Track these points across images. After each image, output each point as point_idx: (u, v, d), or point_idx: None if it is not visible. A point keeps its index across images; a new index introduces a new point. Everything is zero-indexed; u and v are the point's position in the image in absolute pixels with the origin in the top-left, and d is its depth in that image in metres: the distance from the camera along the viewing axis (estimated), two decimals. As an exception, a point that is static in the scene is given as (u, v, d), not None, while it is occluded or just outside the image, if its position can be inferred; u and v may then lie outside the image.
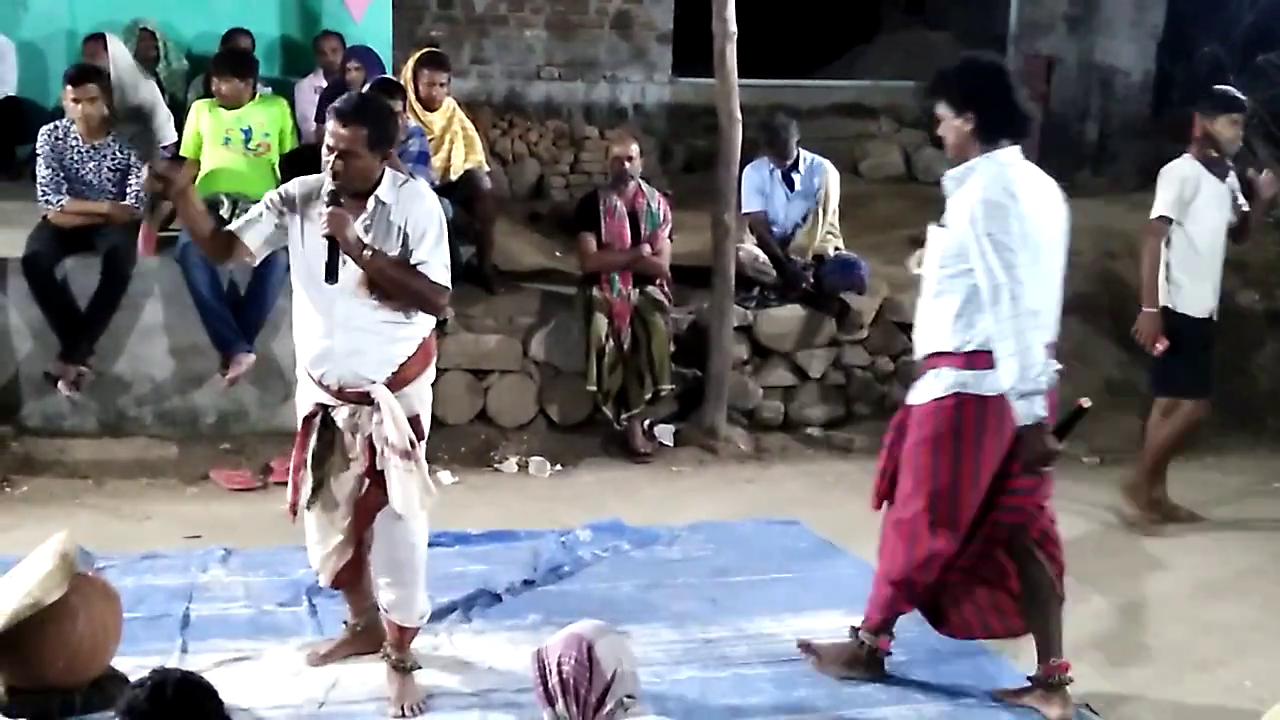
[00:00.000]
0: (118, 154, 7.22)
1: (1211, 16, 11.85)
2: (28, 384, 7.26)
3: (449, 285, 4.60)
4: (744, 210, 8.19)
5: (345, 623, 5.06)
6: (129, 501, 6.80)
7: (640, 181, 7.91)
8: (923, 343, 4.73)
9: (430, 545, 5.97)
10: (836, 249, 8.39)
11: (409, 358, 4.60)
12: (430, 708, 4.73)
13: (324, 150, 4.49)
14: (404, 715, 4.68)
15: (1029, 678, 4.90)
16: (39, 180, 7.21)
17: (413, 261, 4.49)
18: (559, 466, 7.52)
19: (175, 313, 7.32)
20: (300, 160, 7.70)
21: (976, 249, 4.44)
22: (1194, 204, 6.69)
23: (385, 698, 4.73)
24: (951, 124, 4.64)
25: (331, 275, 4.43)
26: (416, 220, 4.52)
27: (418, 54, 8.34)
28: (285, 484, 6.59)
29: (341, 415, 4.61)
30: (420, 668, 4.86)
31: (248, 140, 7.59)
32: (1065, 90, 11.89)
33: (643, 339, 7.70)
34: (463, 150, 8.20)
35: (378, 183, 4.51)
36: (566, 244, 8.75)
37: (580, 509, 6.77)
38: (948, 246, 4.60)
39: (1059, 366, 4.66)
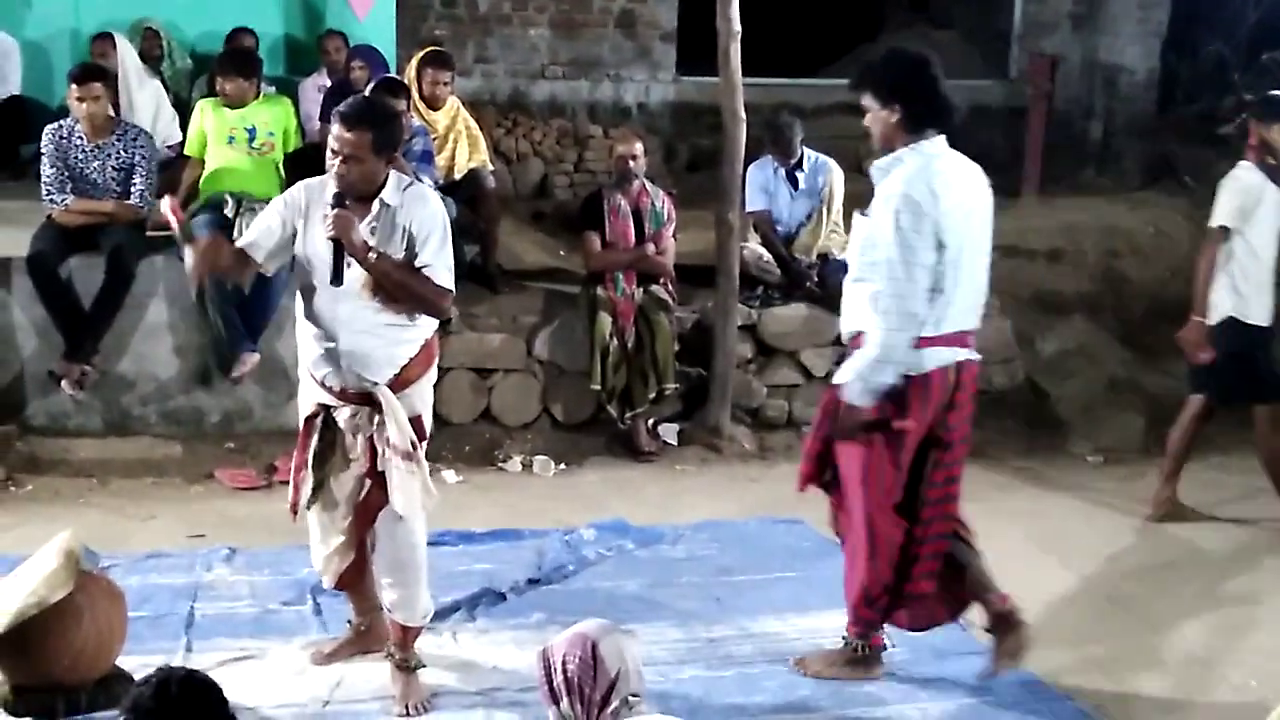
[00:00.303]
0: (121, 153, 7.23)
1: (1216, 15, 11.86)
2: (32, 383, 7.27)
3: (453, 288, 4.62)
4: (748, 209, 8.19)
5: (349, 622, 5.07)
6: (134, 500, 6.80)
7: (644, 180, 7.90)
8: (848, 324, 4.88)
9: (435, 544, 6.00)
10: (841, 248, 8.37)
11: (411, 359, 4.61)
12: (435, 706, 4.74)
13: (328, 154, 4.50)
14: (408, 714, 4.68)
15: (987, 628, 5.04)
16: (43, 179, 7.22)
17: (417, 264, 4.50)
18: (563, 466, 7.53)
19: (179, 312, 7.33)
20: (304, 159, 7.71)
21: (886, 239, 4.58)
22: (1256, 213, 6.61)
23: (390, 696, 4.74)
24: (878, 116, 4.72)
25: (337, 278, 4.44)
26: (421, 223, 4.53)
27: (421, 53, 8.34)
28: (289, 483, 6.61)
29: (343, 416, 4.63)
30: (424, 666, 4.86)
31: (252, 139, 7.59)
32: (1069, 89, 11.87)
33: (647, 338, 7.70)
34: (467, 149, 8.20)
35: (382, 185, 4.53)
36: (571, 243, 8.75)
37: (584, 508, 6.77)
38: (869, 234, 4.75)
39: (977, 356, 4.84)
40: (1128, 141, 11.80)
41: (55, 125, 7.30)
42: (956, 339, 4.73)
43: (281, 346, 7.40)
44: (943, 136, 4.75)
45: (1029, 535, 6.69)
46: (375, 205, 4.51)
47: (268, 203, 7.13)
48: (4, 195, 7.81)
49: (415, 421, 4.62)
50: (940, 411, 4.75)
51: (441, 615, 5.37)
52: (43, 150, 7.23)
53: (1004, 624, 4.94)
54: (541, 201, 10.21)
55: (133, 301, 7.27)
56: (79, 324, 7.16)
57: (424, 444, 4.67)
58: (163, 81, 8.96)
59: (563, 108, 11.31)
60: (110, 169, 7.23)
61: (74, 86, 7.13)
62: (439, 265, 4.55)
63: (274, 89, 8.50)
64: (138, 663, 4.71)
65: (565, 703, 3.44)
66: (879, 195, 4.70)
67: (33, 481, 6.91)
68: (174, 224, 4.70)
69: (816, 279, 8.28)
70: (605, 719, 3.40)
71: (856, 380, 4.67)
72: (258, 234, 4.64)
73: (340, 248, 4.42)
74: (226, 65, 7.74)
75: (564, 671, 3.44)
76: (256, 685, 4.76)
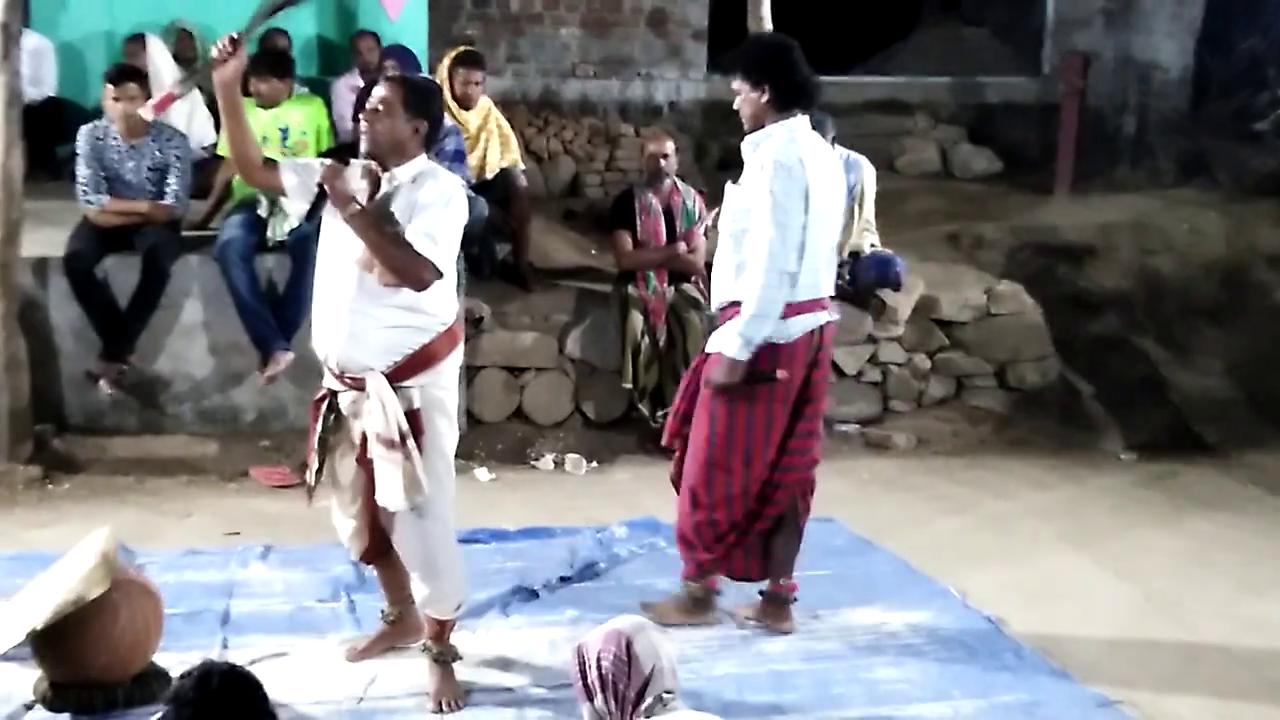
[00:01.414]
0: (156, 154, 7.28)
1: (1250, 11, 11.78)
2: (69, 382, 7.33)
3: (435, 261, 4.44)
4: (780, 207, 8.18)
5: (381, 612, 5.05)
6: (169, 499, 6.85)
7: (675, 179, 7.91)
8: (719, 294, 5.16)
9: (467, 542, 6.03)
10: (872, 245, 8.36)
11: (415, 350, 4.54)
12: (469, 703, 4.74)
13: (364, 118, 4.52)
14: (442, 711, 4.67)
15: (761, 592, 5.42)
16: (79, 180, 7.27)
17: (406, 231, 4.43)
18: (595, 464, 7.54)
19: (214, 311, 7.37)
20: (336, 159, 7.74)
21: (761, 203, 4.90)
22: None
23: (425, 693, 4.74)
24: (749, 96, 5.05)
25: (311, 215, 4.59)
26: (425, 194, 4.47)
27: (453, 53, 8.36)
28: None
29: (345, 400, 4.63)
30: (461, 659, 4.82)
31: (285, 139, 7.63)
32: (1102, 85, 11.82)
33: (678, 336, 7.71)
34: (498, 149, 8.23)
35: (408, 163, 4.52)
36: (602, 242, 8.76)
37: (616, 506, 6.78)
38: (740, 204, 5.06)
39: (836, 317, 5.25)
40: (1161, 138, 11.74)
41: (91, 126, 7.35)
42: (817, 304, 5.10)
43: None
44: (805, 117, 5.08)
45: (1062, 534, 6.67)
46: (399, 173, 4.49)
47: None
48: (40, 196, 7.85)
49: (412, 415, 4.51)
50: (805, 370, 5.11)
51: (474, 613, 5.38)
52: (78, 151, 7.28)
53: (776, 604, 5.39)
54: (573, 200, 10.23)
55: (168, 301, 7.31)
56: (115, 323, 7.21)
57: (445, 439, 4.64)
58: (197, 83, 9.00)
59: (594, 107, 11.33)
60: (145, 169, 7.28)
61: (109, 87, 7.19)
62: (425, 234, 4.42)
63: (306, 89, 8.54)
64: (174, 659, 4.75)
65: (599, 699, 3.45)
66: (751, 165, 5.03)
67: (70, 480, 6.97)
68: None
69: (848, 277, 8.27)
70: (639, 716, 3.41)
71: (737, 337, 4.94)
72: (294, 161, 4.79)
73: (322, 195, 4.48)
74: (261, 66, 7.77)
75: (598, 668, 3.45)
76: (291, 682, 4.77)
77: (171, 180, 7.28)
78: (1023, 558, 6.35)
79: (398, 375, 4.52)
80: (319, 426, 4.69)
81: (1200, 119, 11.87)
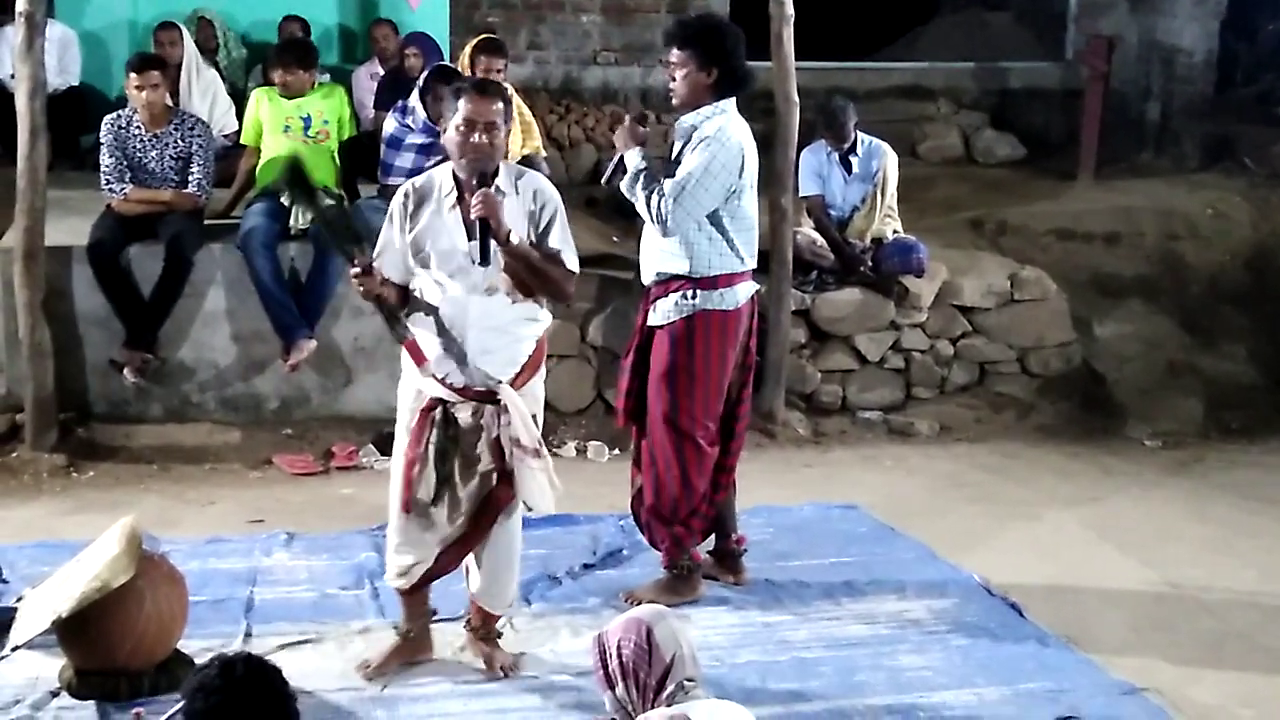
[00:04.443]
0: (179, 142, 7.30)
1: (1275, -5, 11.72)
2: (93, 371, 7.36)
3: (578, 270, 4.61)
4: (801, 194, 8.18)
5: (395, 627, 4.93)
6: (193, 486, 6.87)
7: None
8: (648, 269, 5.32)
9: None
10: (895, 232, 8.34)
11: (530, 356, 4.61)
12: (492, 692, 4.75)
13: (460, 129, 4.44)
14: (503, 676, 4.79)
15: (711, 551, 5.68)
16: (102, 169, 7.29)
17: (549, 246, 4.50)
18: (617, 451, 7.53)
19: (237, 299, 7.39)
20: (358, 148, 7.77)
21: (698, 161, 5.07)
22: None
23: (444, 678, 4.77)
24: (695, 76, 5.17)
25: (484, 258, 4.38)
26: (546, 204, 4.54)
27: (474, 40, 8.33)
28: (347, 468, 6.67)
29: (464, 413, 4.57)
30: (502, 634, 4.96)
31: (307, 128, 7.64)
32: (1126, 70, 11.75)
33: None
34: (520, 136, 8.21)
35: (495, 171, 4.50)
36: (624, 229, 8.75)
37: (639, 493, 6.77)
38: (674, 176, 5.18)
39: (759, 287, 5.54)
40: (1186, 123, 11.67)
41: (114, 115, 7.37)
42: (750, 274, 5.35)
43: (338, 333, 7.46)
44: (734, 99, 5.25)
45: (1086, 520, 6.66)
46: (499, 183, 4.48)
47: (324, 191, 7.22)
48: (64, 185, 7.88)
49: (534, 418, 4.63)
50: (746, 337, 5.37)
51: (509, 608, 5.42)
52: (102, 140, 7.31)
53: (729, 559, 5.68)
54: (594, 188, 10.19)
55: (191, 289, 7.33)
56: (139, 312, 7.23)
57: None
58: (218, 71, 9.04)
59: (615, 94, 11.31)
60: (168, 158, 7.29)
61: (132, 76, 7.20)
62: (567, 248, 4.56)
63: (327, 78, 8.55)
64: (198, 646, 4.78)
65: (620, 688, 3.46)
66: (695, 138, 5.15)
67: (94, 468, 7.00)
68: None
69: (870, 263, 8.26)
70: (660, 704, 3.41)
71: (627, 174, 5.21)
72: (386, 258, 4.58)
73: (486, 228, 4.36)
74: (287, 57, 7.77)
75: (619, 657, 3.45)
76: (315, 669, 4.79)
77: (194, 169, 7.30)
78: (1046, 545, 6.34)
79: (517, 382, 4.58)
80: (433, 438, 4.58)
81: (1225, 103, 11.79)
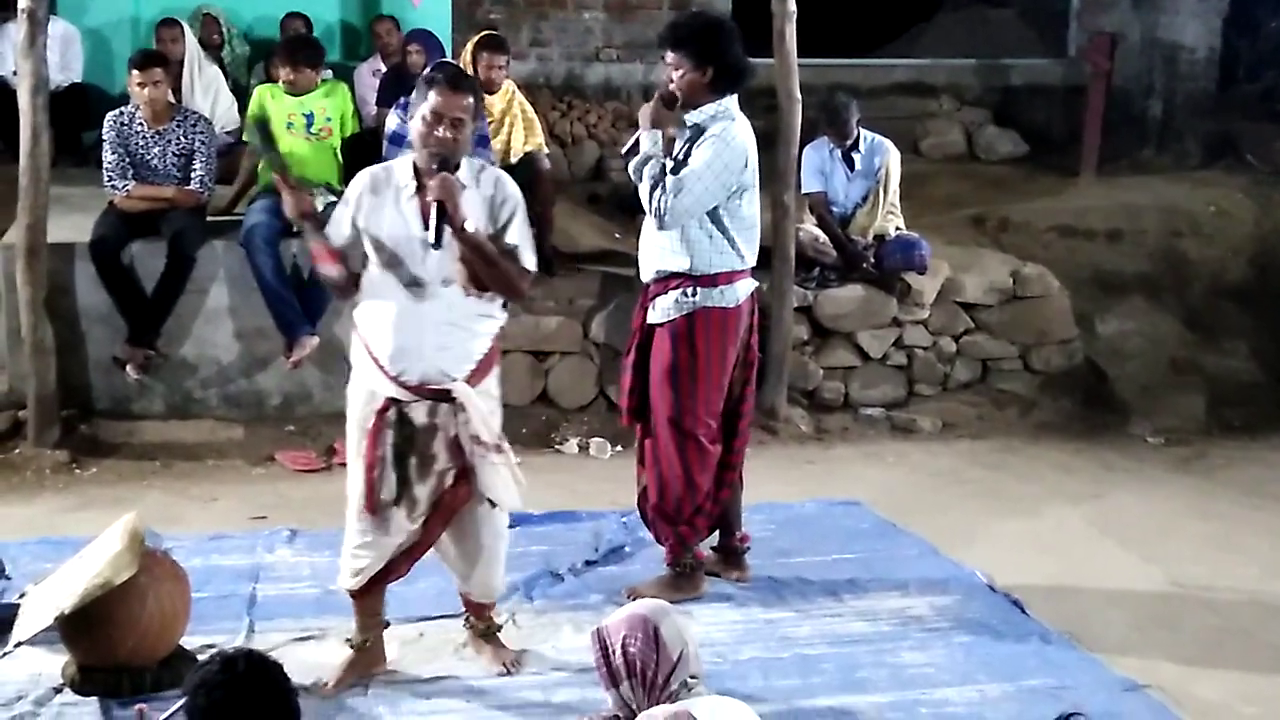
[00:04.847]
0: (182, 139, 7.30)
1: (1278, -9, 11.70)
2: (96, 367, 7.36)
3: (534, 269, 4.58)
4: (804, 190, 8.18)
5: (348, 641, 4.80)
6: (196, 483, 6.88)
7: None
8: (647, 267, 5.32)
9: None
10: (897, 229, 8.34)
11: (485, 353, 4.58)
12: (495, 687, 4.75)
13: (426, 121, 4.39)
14: (509, 673, 4.79)
15: (714, 548, 5.69)
16: (105, 166, 7.30)
17: (506, 242, 4.47)
18: (619, 448, 7.54)
19: (240, 296, 7.39)
20: (361, 144, 7.76)
21: (704, 158, 5.06)
22: None
23: (446, 676, 4.79)
24: (691, 75, 5.15)
25: (437, 241, 4.30)
26: (506, 200, 4.50)
27: (476, 37, 8.35)
28: (348, 466, 6.64)
29: (419, 412, 4.52)
30: (501, 628, 4.98)
31: (310, 125, 7.64)
32: (1129, 67, 11.74)
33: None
34: (522, 133, 8.21)
35: (458, 165, 4.45)
36: (626, 226, 8.75)
37: (641, 490, 6.78)
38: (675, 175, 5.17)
39: (759, 285, 5.53)
40: (1188, 120, 11.66)
41: (116, 112, 7.38)
42: (749, 272, 5.34)
43: (340, 329, 7.44)
44: (735, 97, 5.24)
45: (1088, 517, 6.66)
46: (461, 176, 4.42)
47: (325, 188, 7.20)
48: (67, 182, 7.89)
49: (491, 415, 4.61)
50: (746, 334, 5.36)
51: (500, 596, 5.41)
52: (104, 137, 7.31)
53: (732, 556, 5.70)
54: (597, 184, 10.21)
55: (194, 286, 7.34)
56: (141, 309, 7.24)
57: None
58: (222, 67, 9.03)
59: (617, 90, 11.29)
60: (171, 155, 7.30)
61: (135, 73, 7.21)
62: (525, 245, 4.52)
63: (330, 74, 8.55)
64: (201, 643, 4.79)
65: (625, 686, 3.44)
66: (701, 137, 5.13)
67: (96, 464, 7.01)
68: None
69: (873, 260, 8.26)
70: (664, 701, 3.40)
71: (638, 155, 5.19)
72: (332, 229, 4.55)
73: (443, 212, 4.29)
74: (295, 55, 7.74)
75: (624, 654, 3.44)
76: (318, 665, 4.79)
77: (197, 165, 7.30)
78: (1049, 541, 6.34)
79: (473, 379, 4.54)
80: (389, 439, 4.53)
81: (1227, 100, 11.78)
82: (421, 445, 4.54)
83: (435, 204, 4.30)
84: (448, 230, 4.31)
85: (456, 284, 4.42)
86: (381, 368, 4.51)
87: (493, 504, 4.67)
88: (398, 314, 4.46)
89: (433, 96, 4.39)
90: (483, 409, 4.53)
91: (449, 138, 4.39)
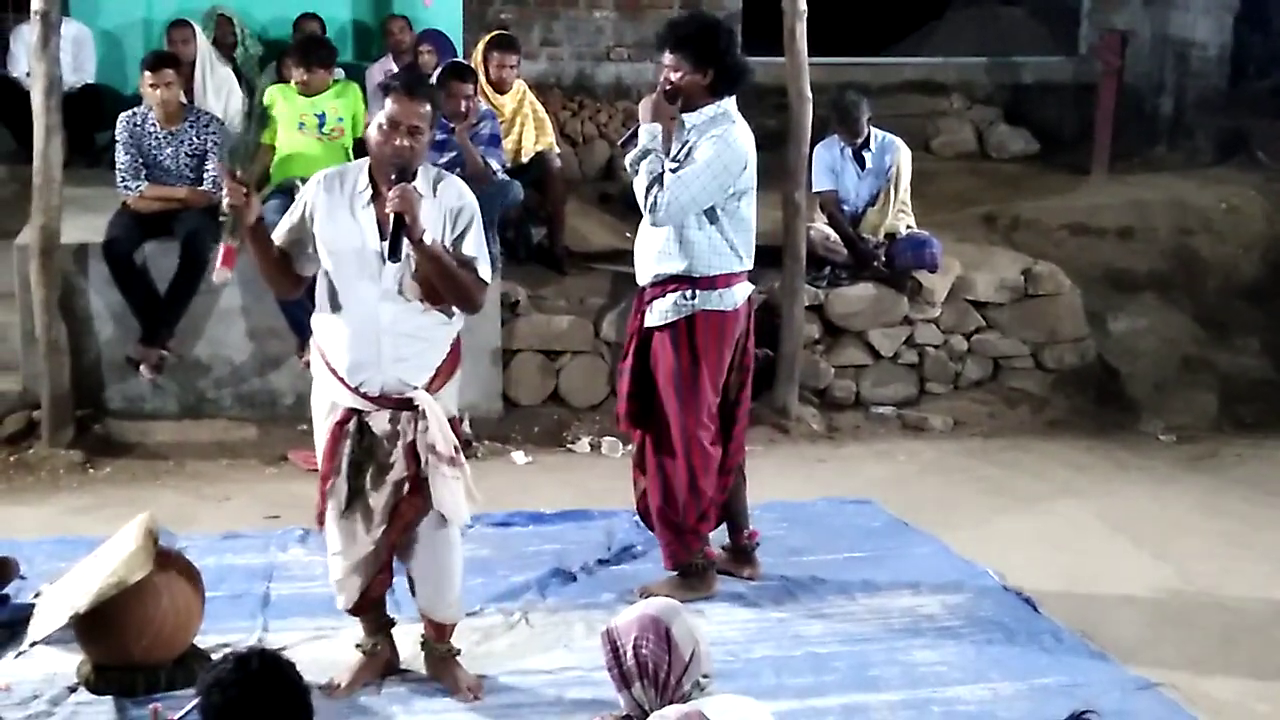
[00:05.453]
0: (194, 139, 7.32)
1: (1289, -12, 11.67)
2: (109, 367, 7.39)
3: (490, 280, 4.51)
4: (815, 189, 8.17)
5: (358, 647, 4.79)
6: (209, 482, 6.90)
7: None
8: (644, 272, 5.32)
9: (504, 525, 6.11)
10: (908, 227, 8.33)
11: (444, 360, 4.51)
12: (510, 686, 4.76)
13: (383, 129, 4.30)
14: (472, 699, 4.66)
15: (725, 547, 5.69)
16: (118, 166, 7.32)
17: (462, 254, 4.38)
18: (630, 447, 7.52)
19: (253, 296, 7.40)
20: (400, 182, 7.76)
21: (704, 156, 5.05)
22: None
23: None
24: (690, 77, 5.14)
25: (394, 253, 4.22)
26: (463, 211, 4.41)
27: (487, 37, 8.36)
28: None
29: (379, 422, 4.45)
30: (460, 652, 4.80)
31: (322, 125, 7.66)
32: (1140, 64, 11.73)
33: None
34: (533, 132, 8.23)
35: (414, 174, 4.35)
36: (637, 225, 8.71)
37: (653, 489, 6.78)
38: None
39: (753, 288, 5.46)
40: (1199, 117, 11.64)
41: (129, 113, 7.39)
42: (746, 275, 5.33)
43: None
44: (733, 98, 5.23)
45: (1100, 514, 6.65)
46: (418, 186, 4.32)
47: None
48: (80, 182, 7.90)
49: (451, 423, 4.51)
50: (742, 338, 5.37)
51: (512, 595, 5.43)
52: (117, 138, 7.33)
53: (743, 555, 5.69)
54: (608, 183, 10.22)
55: (206, 286, 7.35)
56: (154, 309, 7.26)
57: (461, 447, 4.56)
58: (235, 68, 9.05)
59: (628, 90, 11.30)
60: (183, 155, 7.32)
61: (147, 74, 7.23)
62: (481, 256, 4.43)
63: (342, 74, 8.56)
64: (215, 642, 4.81)
65: (638, 686, 3.44)
66: (692, 142, 5.11)
67: (110, 464, 7.03)
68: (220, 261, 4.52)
69: (884, 258, 8.25)
70: (677, 701, 3.40)
71: (636, 148, 5.16)
72: (291, 241, 4.51)
73: (400, 224, 4.20)
74: (309, 56, 7.75)
75: (636, 655, 3.43)
76: (332, 664, 4.80)
77: (209, 166, 7.32)
78: (1061, 540, 6.34)
79: (432, 388, 4.47)
80: (346, 450, 4.48)
81: (1239, 98, 11.75)
82: (381, 455, 4.47)
83: (394, 216, 4.21)
84: (406, 243, 4.23)
85: (413, 296, 4.36)
86: (340, 379, 4.45)
87: (444, 519, 4.55)
88: (354, 326, 4.39)
89: (389, 104, 4.30)
90: (443, 418, 4.44)
91: (405, 146, 4.29)
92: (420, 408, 4.42)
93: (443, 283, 4.34)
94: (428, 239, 4.25)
